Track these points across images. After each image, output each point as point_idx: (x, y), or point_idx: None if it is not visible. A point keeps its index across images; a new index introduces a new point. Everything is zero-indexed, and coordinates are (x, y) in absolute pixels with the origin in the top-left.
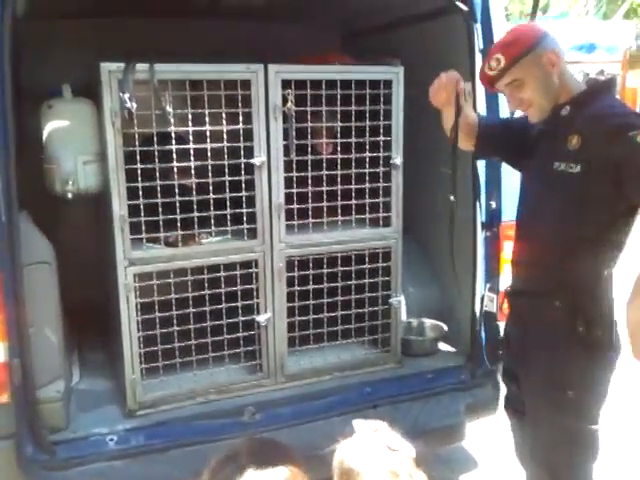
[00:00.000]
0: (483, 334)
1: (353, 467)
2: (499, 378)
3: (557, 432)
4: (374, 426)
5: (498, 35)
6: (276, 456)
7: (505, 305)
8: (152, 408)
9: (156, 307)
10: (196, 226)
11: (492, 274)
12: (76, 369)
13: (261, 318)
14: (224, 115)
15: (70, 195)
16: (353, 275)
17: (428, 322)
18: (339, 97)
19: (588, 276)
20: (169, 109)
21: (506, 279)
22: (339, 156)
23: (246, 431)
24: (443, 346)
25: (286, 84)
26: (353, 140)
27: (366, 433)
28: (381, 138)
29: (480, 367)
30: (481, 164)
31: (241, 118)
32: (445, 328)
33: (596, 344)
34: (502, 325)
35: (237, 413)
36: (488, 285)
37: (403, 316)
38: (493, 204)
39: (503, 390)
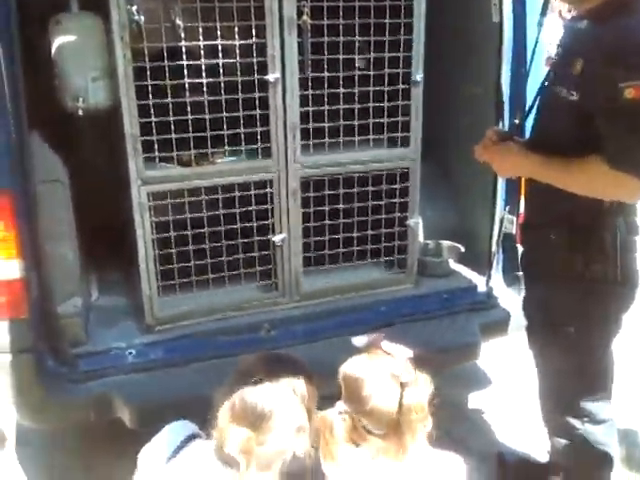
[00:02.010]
0: (501, 255)
1: (357, 376)
2: (511, 301)
3: (563, 365)
4: (370, 338)
5: None
6: (289, 369)
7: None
8: (169, 324)
9: (171, 226)
10: (209, 145)
11: (512, 195)
12: (95, 287)
13: (276, 238)
14: (236, 29)
15: (81, 112)
16: (370, 196)
17: (445, 244)
18: (357, 9)
19: (587, 209)
20: (179, 22)
21: None
22: (357, 73)
23: (262, 347)
24: (460, 267)
25: None
26: (372, 56)
27: (364, 346)
28: (401, 53)
29: (497, 288)
30: (505, 80)
31: (254, 32)
32: (462, 249)
33: (596, 279)
34: (520, 246)
35: (253, 329)
36: (508, 207)
37: (420, 238)
38: (517, 121)
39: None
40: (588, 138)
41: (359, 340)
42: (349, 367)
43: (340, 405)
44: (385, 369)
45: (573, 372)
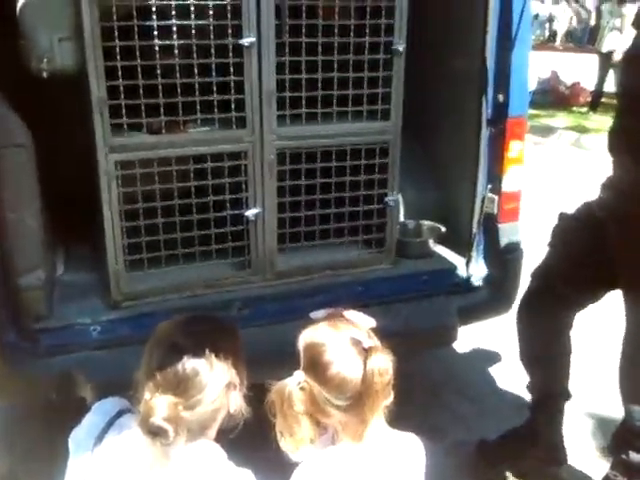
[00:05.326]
0: (482, 236)
1: (317, 341)
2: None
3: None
4: (329, 312)
5: None
6: (206, 328)
7: None
8: (137, 300)
9: (139, 198)
10: (181, 112)
11: (495, 174)
12: (60, 261)
13: (250, 213)
14: None
15: (45, 74)
16: (348, 171)
17: (426, 224)
18: None
19: None
20: None
21: (509, 180)
22: (336, 40)
23: None
24: (440, 249)
25: None
26: (352, 22)
27: (325, 317)
28: (383, 21)
29: (477, 270)
30: (490, 52)
31: None
32: (443, 229)
33: None
34: (502, 227)
35: (224, 308)
36: (489, 186)
37: (400, 217)
38: (501, 97)
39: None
40: None
41: (317, 314)
42: (309, 333)
43: (299, 375)
44: (347, 335)
45: None
